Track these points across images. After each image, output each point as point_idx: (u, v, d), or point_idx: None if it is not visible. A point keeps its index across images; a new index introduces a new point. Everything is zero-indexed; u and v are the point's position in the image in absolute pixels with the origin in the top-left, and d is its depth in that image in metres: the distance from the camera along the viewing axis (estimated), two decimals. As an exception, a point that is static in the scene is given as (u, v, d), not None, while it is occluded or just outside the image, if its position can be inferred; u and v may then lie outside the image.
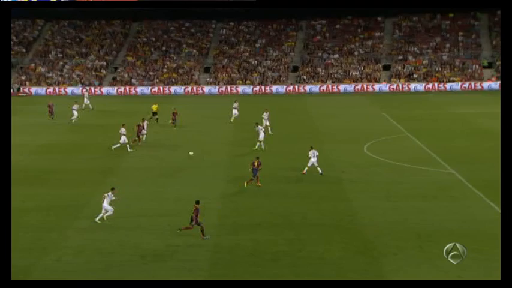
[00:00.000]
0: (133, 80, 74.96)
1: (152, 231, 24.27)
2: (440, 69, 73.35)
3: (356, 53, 77.60)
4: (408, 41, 78.21)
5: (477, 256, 21.19)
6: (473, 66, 73.08)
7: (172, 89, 72.39)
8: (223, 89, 72.22)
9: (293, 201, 28.17)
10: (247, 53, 78.92)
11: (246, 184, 30.27)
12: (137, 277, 20.13)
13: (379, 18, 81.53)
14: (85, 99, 57.12)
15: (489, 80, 70.55)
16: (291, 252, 22.13)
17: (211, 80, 74.95)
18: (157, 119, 47.80)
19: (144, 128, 40.57)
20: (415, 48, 76.80)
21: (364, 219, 25.48)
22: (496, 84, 69.08)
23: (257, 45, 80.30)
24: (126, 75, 75.96)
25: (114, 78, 75.50)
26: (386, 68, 75.03)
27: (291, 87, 71.84)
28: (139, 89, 72.58)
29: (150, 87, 72.71)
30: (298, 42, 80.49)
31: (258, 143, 38.27)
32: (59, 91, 72.38)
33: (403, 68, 74.11)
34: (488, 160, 35.03)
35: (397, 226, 24.46)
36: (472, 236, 23.14)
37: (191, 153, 34.57)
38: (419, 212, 26.18)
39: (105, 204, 25.02)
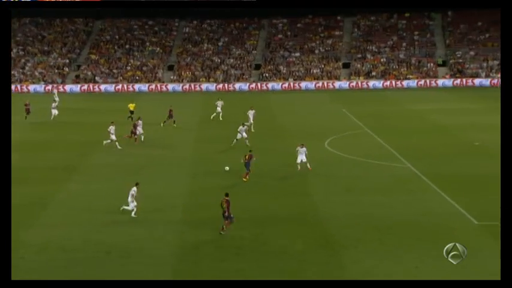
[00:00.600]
0: (96, 78, 73.99)
1: (117, 228, 24.02)
2: (397, 67, 74.33)
3: (317, 51, 78.07)
4: (367, 39, 79.03)
5: (433, 247, 21.54)
6: (428, 64, 74.26)
7: (136, 86, 71.72)
8: (187, 86, 71.86)
9: (257, 196, 28.21)
10: (211, 51, 78.68)
11: (244, 179, 30.35)
12: (102, 273, 19.89)
13: (339, 18, 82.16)
14: (55, 97, 56.11)
15: (443, 77, 71.80)
16: (255, 246, 22.16)
17: (175, 77, 74.48)
18: (131, 117, 46.78)
19: (138, 126, 39.40)
20: (373, 47, 77.65)
21: (325, 213, 25.67)
22: (449, 82, 70.43)
23: (220, 43, 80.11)
24: (89, 73, 74.94)
25: (77, 76, 74.40)
26: (346, 66, 75.68)
27: (253, 85, 71.89)
28: (103, 87, 71.70)
29: (114, 85, 71.91)
30: (260, 41, 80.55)
31: (235, 140, 37.97)
32: (21, 89, 70.98)
33: (362, 66, 74.87)
34: (442, 155, 35.68)
35: (357, 219, 24.70)
36: (428, 228, 23.54)
37: (227, 168, 31.61)
38: (378, 206, 26.49)
39: (129, 199, 25.08)
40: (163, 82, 73.29)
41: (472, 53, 75.16)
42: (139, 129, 39.49)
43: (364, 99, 61.82)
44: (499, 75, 70.20)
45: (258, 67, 76.23)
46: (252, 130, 42.76)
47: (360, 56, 76.64)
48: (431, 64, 74.26)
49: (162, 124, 45.30)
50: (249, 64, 76.54)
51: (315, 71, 74.52)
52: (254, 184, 30.19)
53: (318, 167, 33.49)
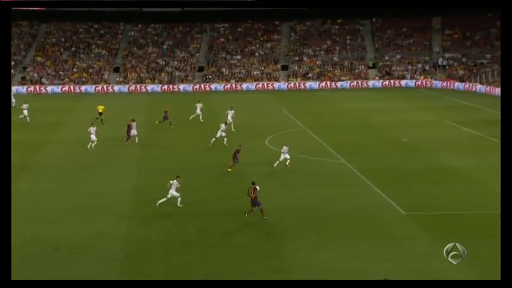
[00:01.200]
0: (43, 80, 71.95)
1: (65, 225, 23.46)
2: (331, 69, 75.45)
3: (257, 54, 78.35)
4: (303, 43, 79.87)
5: (367, 236, 22.00)
6: (360, 66, 75.71)
7: (83, 88, 70.17)
8: (133, 87, 70.79)
9: (202, 192, 28.08)
10: (155, 54, 77.81)
11: (229, 169, 31.27)
12: (50, 269, 19.39)
13: (277, 23, 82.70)
14: (12, 98, 54.17)
15: (373, 79, 73.34)
16: (200, 239, 22.06)
17: (121, 79, 73.25)
18: (102, 119, 45.26)
19: (132, 128, 38.05)
20: (310, 50, 78.54)
21: (266, 206, 25.74)
22: (379, 83, 71.97)
23: (164, 46, 79.30)
24: (35, 74, 72.79)
25: (23, 78, 72.14)
26: (284, 68, 76.27)
27: (197, 86, 71.50)
28: (49, 88, 69.77)
29: (60, 86, 70.12)
30: (203, 44, 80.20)
31: (214, 139, 37.36)
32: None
33: (299, 68, 75.62)
34: (373, 151, 36.46)
35: (297, 212, 24.94)
36: (361, 219, 23.99)
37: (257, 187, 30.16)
38: (315, 199, 26.83)
39: (173, 191, 25.15)
40: (109, 83, 71.95)
41: (398, 56, 77.08)
42: (134, 131, 38.13)
43: (302, 99, 62.47)
44: (422, 77, 72.30)
45: (201, 69, 75.90)
46: (233, 129, 42.10)
47: (297, 58, 77.38)
48: (362, 66, 75.73)
49: (157, 122, 44.13)
50: (192, 66, 76.10)
51: (255, 73, 74.75)
52: (199, 181, 30.05)
53: (260, 163, 33.65)
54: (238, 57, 77.75)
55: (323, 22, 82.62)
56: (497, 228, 22.52)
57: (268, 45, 79.69)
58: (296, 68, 75.73)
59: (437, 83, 70.06)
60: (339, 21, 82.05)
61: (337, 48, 79.07)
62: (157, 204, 25.27)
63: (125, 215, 24.66)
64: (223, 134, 37.67)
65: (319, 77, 73.93)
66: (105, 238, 22.15)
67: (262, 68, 75.65)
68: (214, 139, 37.39)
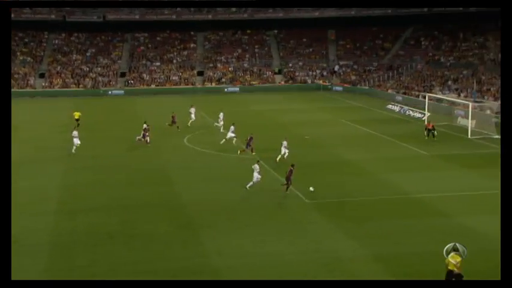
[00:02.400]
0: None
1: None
2: (242, 74, 75.89)
3: (175, 61, 77.52)
4: (216, 51, 79.84)
5: (275, 223, 22.30)
6: (267, 72, 76.65)
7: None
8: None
9: (125, 187, 27.42)
10: (79, 61, 75.13)
11: (239, 152, 32.93)
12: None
13: (192, 33, 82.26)
14: None
15: (279, 83, 74.48)
16: (124, 230, 21.53)
17: (46, 84, 70.03)
18: (78, 124, 42.09)
19: (148, 131, 36.66)
20: (223, 58, 78.62)
21: (186, 199, 25.59)
22: (284, 87, 73.15)
23: (88, 54, 76.69)
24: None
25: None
26: (200, 73, 75.87)
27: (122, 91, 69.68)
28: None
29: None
30: (124, 52, 78.28)
31: (224, 140, 36.68)
32: None
33: (214, 74, 75.51)
34: (278, 146, 36.98)
35: (213, 204, 24.88)
36: (270, 208, 24.30)
37: (312, 189, 26.76)
38: (229, 191, 26.88)
39: (256, 174, 25.89)
40: (35, 88, 68.60)
41: (300, 63, 78.76)
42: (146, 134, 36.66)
43: (217, 101, 62.38)
44: (321, 81, 74.25)
45: (123, 74, 74.09)
46: (222, 130, 41.04)
47: (211, 65, 77.24)
48: (270, 72, 76.71)
49: (178, 130, 41.84)
50: (115, 72, 74.09)
51: (173, 78, 73.93)
52: (123, 177, 29.32)
53: (180, 160, 33.33)
54: (158, 63, 76.58)
55: (234, 33, 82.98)
56: (387, 211, 23.61)
57: (185, 53, 79.08)
58: (211, 73, 75.57)
59: (338, 87, 72.22)
60: (248, 31, 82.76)
61: (247, 56, 79.65)
62: (247, 187, 25.79)
63: (52, 209, 23.64)
64: (233, 135, 36.74)
65: (232, 81, 74.18)
66: (33, 232, 21.17)
67: (180, 73, 74.93)
68: (224, 140, 36.62)
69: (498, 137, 38.66)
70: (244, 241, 20.43)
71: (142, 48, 79.47)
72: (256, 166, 26.36)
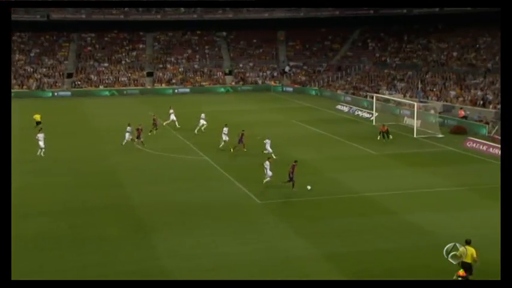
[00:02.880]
0: None
1: None
2: (193, 75, 75.45)
3: (123, 61, 76.24)
4: (166, 52, 79.05)
5: (227, 224, 22.30)
6: (218, 73, 76.54)
7: None
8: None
9: (74, 190, 26.77)
10: (23, 61, 72.71)
11: (231, 150, 33.88)
12: None
13: (141, 33, 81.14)
14: None
15: (230, 84, 74.50)
16: (73, 234, 21.01)
17: (-12, 85, 67.35)
18: (41, 128, 40.63)
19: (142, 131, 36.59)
20: (172, 58, 77.92)
21: (136, 201, 25.22)
22: (239, 88, 73.21)
23: (32, 54, 74.35)
24: None
25: None
26: (149, 74, 74.91)
27: (69, 92, 67.95)
28: None
29: None
30: (71, 52, 76.35)
31: (223, 143, 36.10)
32: None
33: (164, 75, 74.71)
34: (229, 149, 37.02)
35: (164, 205, 24.64)
36: (222, 209, 24.27)
37: (309, 187, 26.84)
38: (181, 192, 26.69)
39: (268, 171, 26.87)
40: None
41: (251, 64, 79.06)
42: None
43: (167, 102, 61.77)
44: (272, 82, 74.77)
45: (70, 75, 72.22)
46: (203, 130, 41.14)
47: (161, 66, 76.40)
48: (220, 73, 76.63)
49: (150, 132, 40.52)
50: (61, 73, 72.13)
51: (122, 79, 72.67)
52: (70, 180, 28.59)
53: (130, 161, 32.81)
54: (106, 64, 75.10)
55: (183, 33, 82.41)
56: (338, 210, 24.02)
57: (134, 53, 77.90)
58: (161, 74, 74.73)
59: (288, 88, 72.84)
60: (198, 32, 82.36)
61: (197, 56, 79.28)
62: (264, 182, 26.54)
63: None
64: (226, 138, 36.25)
65: (182, 82, 73.63)
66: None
67: (129, 74, 73.74)
68: (223, 143, 35.94)
69: (442, 136, 40.07)
70: (196, 242, 20.32)
71: (89, 48, 77.77)
72: (267, 163, 27.20)
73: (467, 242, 16.32)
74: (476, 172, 30.30)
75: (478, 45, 61.93)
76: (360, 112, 51.88)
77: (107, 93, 69.21)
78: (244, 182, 28.15)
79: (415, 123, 41.86)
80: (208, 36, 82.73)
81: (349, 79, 70.49)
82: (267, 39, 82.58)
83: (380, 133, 38.92)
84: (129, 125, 37.50)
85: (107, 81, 71.82)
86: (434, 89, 55.55)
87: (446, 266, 17.47)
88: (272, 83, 74.58)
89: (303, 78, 75.22)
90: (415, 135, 40.29)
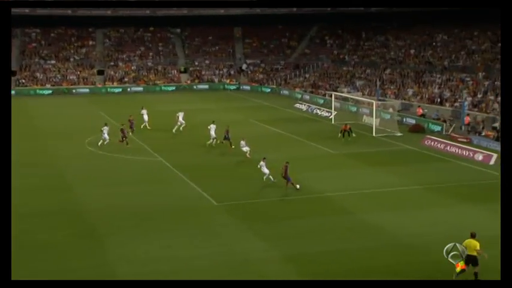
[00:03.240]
0: None
1: None
2: (146, 73, 74.69)
3: (72, 59, 74.70)
4: (117, 49, 77.94)
5: (183, 226, 22.25)
6: (173, 71, 76.05)
7: None
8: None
9: (22, 195, 26.11)
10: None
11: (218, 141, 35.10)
12: None
13: (91, 29, 79.66)
14: None
15: (185, 82, 74.19)
16: (21, 240, 20.48)
17: None
18: None
19: (125, 131, 36.56)
20: (124, 56, 76.90)
21: (87, 205, 24.85)
22: (195, 86, 72.96)
23: (-29, 50, 71.80)
24: None
25: None
26: (100, 72, 73.70)
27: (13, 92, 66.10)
28: None
29: None
30: (14, 49, 74.17)
31: (212, 140, 36.86)
32: None
33: (115, 73, 73.64)
34: (187, 148, 36.98)
35: (118, 209, 24.38)
36: (178, 212, 24.21)
37: (298, 186, 26.95)
38: (136, 195, 26.45)
39: (264, 169, 27.98)
40: None
41: (207, 62, 78.92)
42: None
43: (120, 102, 60.98)
44: (229, 81, 74.87)
45: (13, 73, 70.17)
46: (181, 130, 41.11)
47: (112, 63, 75.28)
48: (175, 71, 76.16)
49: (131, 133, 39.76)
50: (4, 71, 69.97)
51: (71, 77, 71.20)
52: (18, 183, 27.88)
53: (80, 164, 32.27)
54: (53, 62, 73.41)
55: (136, 30, 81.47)
56: (297, 211, 24.31)
57: (83, 50, 76.44)
58: (112, 72, 73.65)
59: (246, 86, 73.07)
60: (151, 29, 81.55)
61: (151, 54, 78.54)
62: (264, 179, 27.64)
63: None
64: (214, 140, 36.73)
65: (135, 81, 72.80)
66: None
67: (78, 72, 72.33)
68: (211, 141, 36.72)
69: (401, 134, 41.11)
70: (151, 247, 20.21)
71: (34, 44, 75.85)
72: (262, 163, 28.22)
73: (472, 235, 16.94)
74: (434, 171, 31.24)
75: (434, 43, 63.83)
76: (318, 111, 52.61)
77: (53, 92, 67.71)
78: (201, 183, 28.15)
79: (374, 121, 42.78)
80: (161, 33, 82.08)
81: (307, 75, 71.36)
82: (223, 36, 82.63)
83: (341, 132, 39.60)
84: (105, 125, 36.87)
85: (54, 80, 70.25)
86: (393, 87, 56.94)
87: (405, 267, 18.02)
88: (229, 81, 74.70)
89: (261, 76, 75.65)
90: (374, 134, 41.17)
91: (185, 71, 76.90)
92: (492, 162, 32.40)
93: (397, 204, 25.30)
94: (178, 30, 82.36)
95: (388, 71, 62.52)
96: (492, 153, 33.18)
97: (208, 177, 29.69)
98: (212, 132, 36.84)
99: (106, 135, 36.26)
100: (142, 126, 43.37)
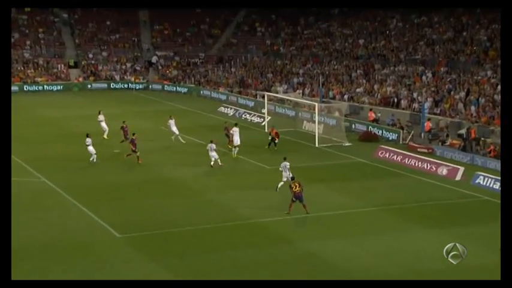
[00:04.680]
0: None
1: None
2: (22, 68, 72.72)
3: None
4: (-17, 37, 75.47)
5: (76, 265, 21.82)
6: (59, 65, 74.53)
7: None
8: None
9: None
10: None
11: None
12: None
13: None
14: None
15: (77, 80, 72.89)
16: None
17: None
18: None
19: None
20: (-8, 45, 74.54)
21: None
22: (89, 85, 71.68)
23: None
24: None
25: None
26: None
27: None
28: None
29: None
30: None
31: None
32: None
33: (-19, 68, 71.26)
34: (80, 165, 36.24)
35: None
36: (69, 247, 23.70)
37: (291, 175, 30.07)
38: (14, 227, 25.61)
39: (213, 153, 35.08)
40: None
41: (104, 54, 77.90)
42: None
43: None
44: (134, 78, 74.21)
45: None
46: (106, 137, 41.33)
47: (-23, 55, 72.81)
48: (62, 66, 74.67)
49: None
50: None
51: None
52: None
53: None
54: None
55: (8, 11, 79.25)
56: (221, 241, 24.40)
57: None
58: (-23, 67, 71.22)
59: (156, 85, 72.58)
60: (27, 10, 79.14)
61: (28, 43, 76.61)
62: (212, 165, 33.59)
63: None
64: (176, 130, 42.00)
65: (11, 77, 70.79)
66: None
67: None
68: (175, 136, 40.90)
69: (349, 144, 42.19)
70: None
71: None
72: (211, 145, 34.45)
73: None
74: (391, 188, 32.26)
75: (387, 32, 66.14)
76: (248, 116, 53.14)
77: None
78: (99, 209, 27.76)
79: (317, 128, 43.69)
80: (42, 16, 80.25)
81: (233, 70, 71.96)
82: (126, 22, 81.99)
83: (270, 139, 40.40)
84: (88, 136, 36.49)
85: None
86: (338, 86, 58.40)
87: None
88: (134, 78, 74.09)
89: (175, 72, 75.58)
90: (316, 144, 42.04)
91: (75, 66, 75.56)
92: (458, 177, 33.83)
93: (346, 230, 25.92)
94: (66, 14, 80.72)
95: (332, 65, 64.15)
96: (458, 167, 34.65)
97: (108, 201, 29.30)
98: (237, 138, 38.52)
99: (91, 149, 36.50)
100: (105, 136, 43.55)
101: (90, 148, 36.56)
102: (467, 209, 28.90)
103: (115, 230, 25.44)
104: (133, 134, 37.59)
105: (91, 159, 36.37)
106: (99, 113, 45.54)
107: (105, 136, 43.72)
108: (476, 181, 32.41)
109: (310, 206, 27.49)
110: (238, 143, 38.53)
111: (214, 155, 35.25)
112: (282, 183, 30.28)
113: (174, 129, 42.58)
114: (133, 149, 36.57)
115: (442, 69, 53.98)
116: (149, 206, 28.79)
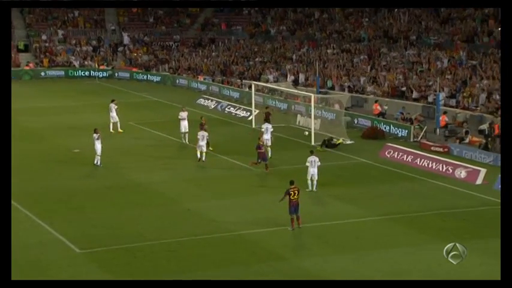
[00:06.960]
0: None
1: None
2: (-36, 53, 72.23)
3: None
4: None
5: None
6: (8, 49, 74.10)
7: None
8: None
9: None
10: None
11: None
12: None
13: None
14: None
15: (27, 66, 72.49)
16: None
17: None
18: None
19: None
20: None
21: None
22: (43, 72, 71.36)
23: None
24: None
25: None
26: None
27: None
28: None
29: None
30: None
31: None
32: None
33: None
34: (34, 168, 36.23)
35: None
36: (24, 266, 23.57)
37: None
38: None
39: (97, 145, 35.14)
40: None
41: (60, 35, 77.46)
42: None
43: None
44: (97, 64, 73.94)
45: None
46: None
47: None
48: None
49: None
50: None
51: None
52: None
53: None
54: None
55: None
56: (201, 257, 24.34)
57: None
58: None
59: (124, 73, 72.33)
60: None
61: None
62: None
63: None
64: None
65: None
66: None
67: None
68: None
69: (351, 142, 42.14)
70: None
71: None
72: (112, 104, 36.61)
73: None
74: (399, 194, 32.24)
75: (395, 9, 65.90)
76: (232, 109, 53.04)
77: None
78: (55, 221, 27.68)
79: (313, 124, 43.63)
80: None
81: (215, 55, 71.80)
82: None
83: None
84: (95, 132, 36.34)
85: None
86: (338, 73, 58.32)
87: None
88: (96, 64, 73.81)
89: (146, 57, 75.38)
90: (312, 142, 42.00)
91: (26, 49, 75.19)
92: (479, 181, 33.83)
93: (349, 244, 25.89)
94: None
95: (331, 48, 64.11)
96: (479, 168, 34.64)
97: (67, 212, 29.16)
98: (267, 136, 38.50)
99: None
100: (113, 130, 44.11)
101: (98, 146, 35.98)
102: (490, 218, 28.86)
103: (74, 245, 25.32)
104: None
105: (95, 161, 36.23)
106: (112, 102, 45.81)
107: (119, 129, 44.49)
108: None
109: (306, 215, 27.44)
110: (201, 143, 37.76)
111: (202, 145, 36.55)
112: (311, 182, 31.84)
113: (114, 114, 42.94)
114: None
115: (460, 53, 53.87)
116: (114, 217, 28.68)
